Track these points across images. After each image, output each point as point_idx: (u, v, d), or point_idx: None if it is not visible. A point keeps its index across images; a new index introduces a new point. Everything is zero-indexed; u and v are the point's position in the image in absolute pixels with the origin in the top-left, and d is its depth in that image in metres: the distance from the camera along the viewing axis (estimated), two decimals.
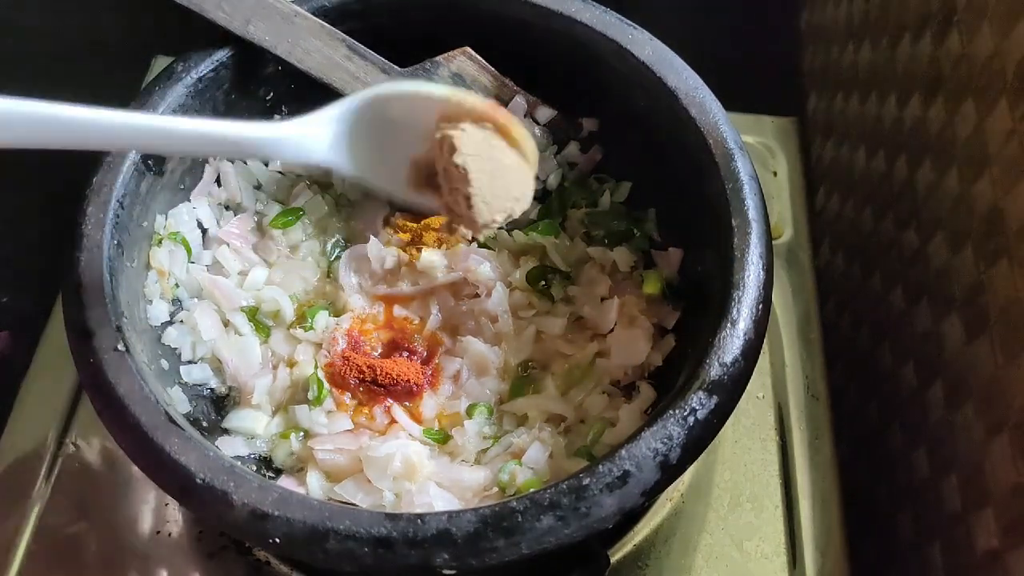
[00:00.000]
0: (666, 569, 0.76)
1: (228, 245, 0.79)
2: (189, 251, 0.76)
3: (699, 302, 0.70)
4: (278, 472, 0.71)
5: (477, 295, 0.76)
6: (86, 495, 0.77)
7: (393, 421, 0.72)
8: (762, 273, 0.64)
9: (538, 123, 0.83)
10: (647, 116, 0.75)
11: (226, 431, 0.72)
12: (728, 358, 0.61)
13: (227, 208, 0.81)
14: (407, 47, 0.77)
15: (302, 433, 0.72)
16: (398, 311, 0.78)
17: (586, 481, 0.56)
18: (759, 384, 0.85)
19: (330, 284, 0.80)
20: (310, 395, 0.72)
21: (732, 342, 0.61)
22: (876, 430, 0.88)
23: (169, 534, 0.76)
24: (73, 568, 0.75)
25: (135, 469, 0.59)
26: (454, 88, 0.62)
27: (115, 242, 0.65)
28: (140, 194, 0.69)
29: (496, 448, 0.71)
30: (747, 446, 0.81)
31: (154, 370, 0.66)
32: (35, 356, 0.85)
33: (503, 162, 0.62)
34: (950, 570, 0.72)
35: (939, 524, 0.74)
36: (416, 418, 0.73)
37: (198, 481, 0.56)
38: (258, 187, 0.83)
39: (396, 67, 0.77)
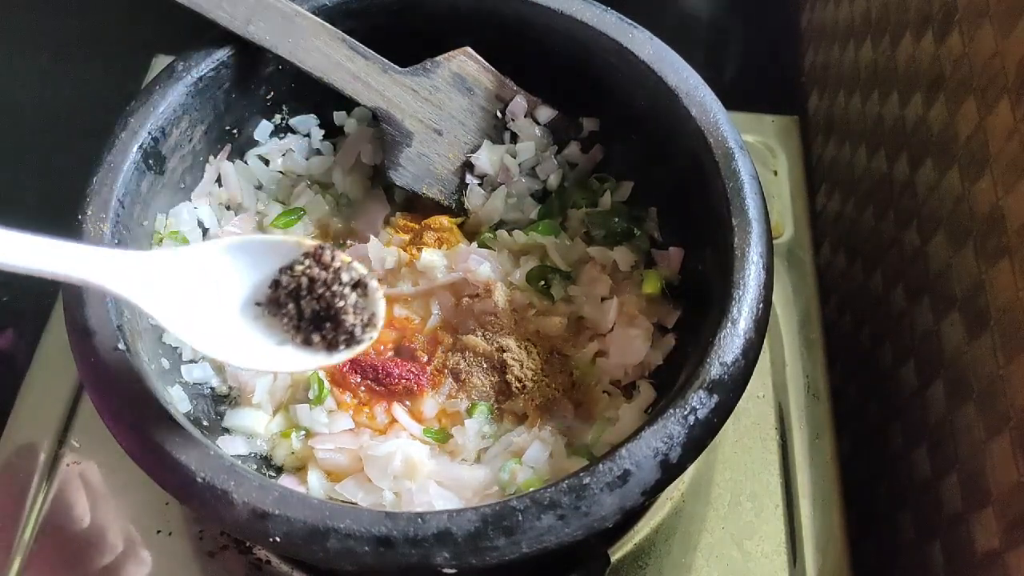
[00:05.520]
0: (666, 568, 0.76)
1: None
2: None
3: (699, 301, 0.70)
4: (279, 471, 0.71)
5: (477, 295, 0.76)
6: (86, 495, 0.77)
7: (393, 420, 0.72)
8: (762, 272, 0.64)
9: (539, 123, 0.83)
10: (648, 115, 0.75)
11: (227, 430, 0.72)
12: (728, 357, 0.61)
13: (228, 208, 0.81)
14: (407, 47, 0.78)
15: (303, 432, 0.72)
16: (399, 311, 0.78)
17: (586, 480, 0.56)
18: (759, 383, 0.85)
19: None
20: (311, 394, 0.72)
21: (732, 341, 0.61)
22: (876, 429, 0.88)
23: (169, 534, 0.76)
24: (73, 568, 0.75)
25: (136, 468, 0.59)
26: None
27: (116, 241, 0.65)
28: (141, 193, 0.69)
29: (496, 447, 0.71)
30: (747, 445, 0.81)
31: (155, 369, 0.66)
32: (36, 355, 0.85)
33: None
34: (950, 570, 0.72)
35: (939, 524, 0.74)
36: (416, 417, 0.73)
37: (198, 480, 0.56)
38: (259, 187, 0.83)
39: (396, 67, 0.77)
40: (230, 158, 0.80)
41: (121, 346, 0.61)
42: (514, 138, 0.83)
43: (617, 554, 0.76)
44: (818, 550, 0.77)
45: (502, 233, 0.81)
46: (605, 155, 0.84)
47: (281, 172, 0.83)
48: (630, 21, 0.75)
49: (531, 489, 0.59)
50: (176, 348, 0.73)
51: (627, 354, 0.74)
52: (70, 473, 0.78)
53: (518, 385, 0.72)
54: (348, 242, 0.81)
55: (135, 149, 0.68)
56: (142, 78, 0.96)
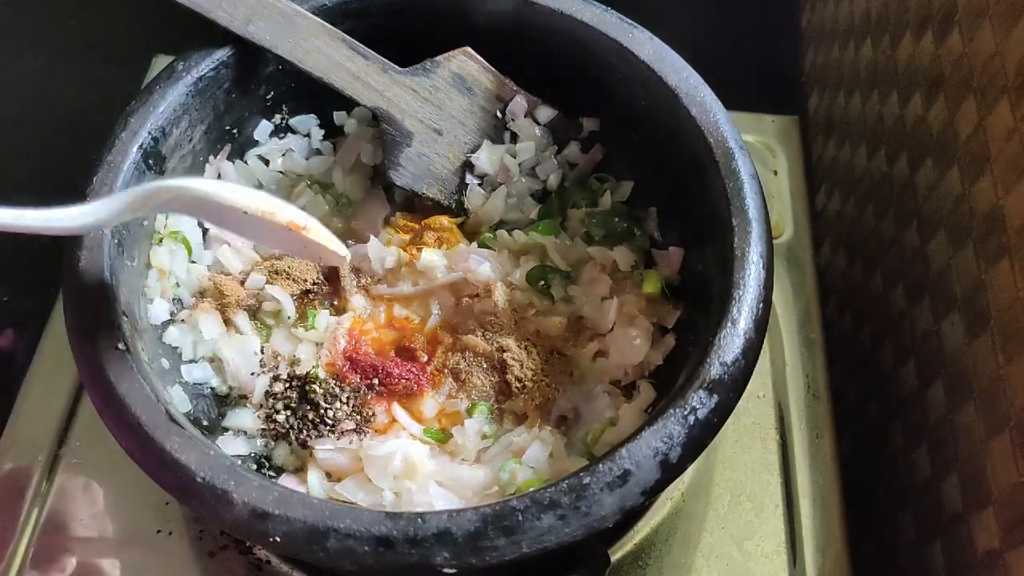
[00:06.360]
0: (666, 568, 0.76)
1: (229, 245, 0.79)
2: (190, 250, 0.76)
3: (699, 301, 0.70)
4: (279, 471, 0.71)
5: (477, 295, 0.76)
6: (86, 495, 0.77)
7: (393, 420, 0.72)
8: (762, 272, 0.64)
9: (539, 123, 0.83)
10: (648, 115, 0.75)
11: (227, 430, 0.72)
12: (728, 357, 0.61)
13: None
14: (407, 47, 0.78)
15: None
16: (399, 311, 0.78)
17: (586, 480, 0.56)
18: (759, 383, 0.85)
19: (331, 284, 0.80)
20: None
21: (732, 341, 0.61)
22: (876, 429, 0.88)
23: (169, 533, 0.76)
24: (73, 568, 0.75)
25: (136, 468, 0.59)
26: (255, 197, 0.61)
27: (116, 241, 0.65)
28: None
29: (496, 447, 0.71)
30: (747, 445, 0.81)
31: (155, 369, 0.66)
32: (36, 355, 0.85)
33: None
34: (950, 570, 0.72)
35: (939, 524, 0.74)
36: (416, 417, 0.73)
37: (198, 480, 0.56)
38: (259, 187, 0.83)
39: (396, 67, 0.77)
40: (230, 158, 0.80)
41: (121, 346, 0.61)
42: (514, 138, 0.83)
43: (617, 554, 0.76)
44: (818, 550, 0.78)
45: (502, 233, 0.81)
46: (605, 155, 0.84)
47: (281, 172, 0.83)
48: (630, 21, 0.75)
49: (531, 489, 0.59)
50: (176, 348, 0.73)
51: (627, 354, 0.74)
52: (70, 473, 0.79)
53: (518, 385, 0.72)
54: (348, 242, 0.81)
55: (135, 149, 0.68)
56: (142, 78, 0.96)
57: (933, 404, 0.76)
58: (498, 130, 0.83)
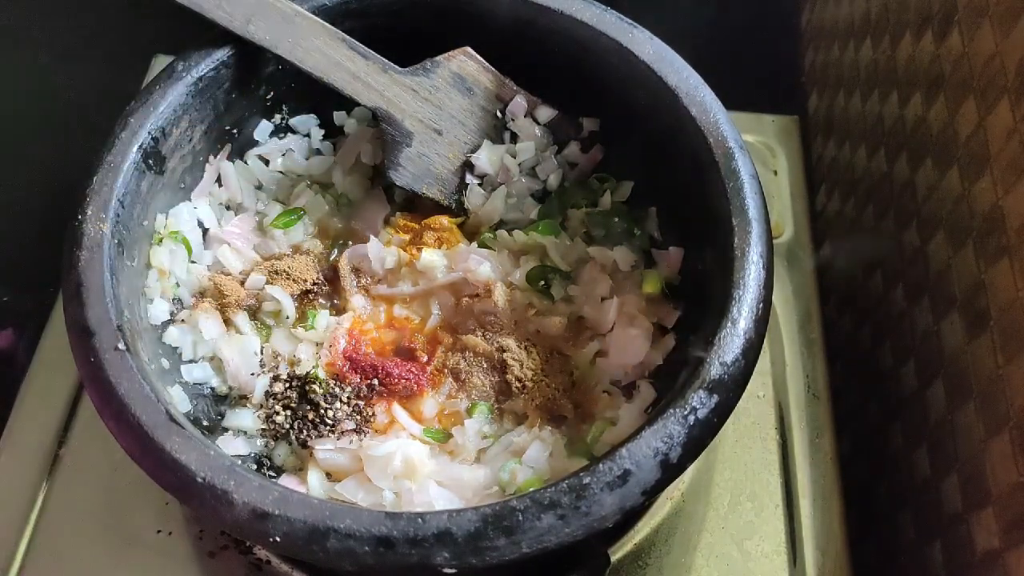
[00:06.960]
0: (666, 568, 0.76)
1: (229, 245, 0.79)
2: (190, 250, 0.76)
3: (699, 301, 0.70)
4: (279, 471, 0.71)
5: (477, 295, 0.76)
6: (86, 495, 0.77)
7: (393, 420, 0.72)
8: (762, 272, 0.64)
9: (539, 123, 0.83)
10: (648, 115, 0.75)
11: (227, 430, 0.72)
12: (728, 357, 0.61)
13: (228, 208, 0.81)
14: (407, 47, 0.78)
15: None
16: (399, 311, 0.78)
17: (586, 480, 0.56)
18: (759, 383, 0.85)
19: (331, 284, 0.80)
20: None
21: (732, 341, 0.61)
22: (876, 429, 0.88)
23: (169, 533, 0.76)
24: (73, 568, 0.75)
25: (136, 468, 0.59)
26: None
27: (116, 241, 0.65)
28: (141, 193, 0.70)
29: (496, 447, 0.71)
30: (747, 445, 0.81)
31: (155, 369, 0.66)
32: (36, 355, 0.85)
33: None
34: (950, 570, 0.72)
35: (939, 524, 0.74)
36: (416, 417, 0.73)
37: (199, 480, 0.56)
38: (259, 187, 0.83)
39: (396, 67, 0.77)
40: (230, 158, 0.81)
41: (121, 346, 0.61)
42: (514, 138, 0.83)
43: (617, 554, 0.76)
44: (818, 549, 0.78)
45: (502, 233, 0.81)
46: (605, 155, 0.84)
47: (281, 172, 0.83)
48: (630, 21, 0.75)
49: (531, 489, 0.59)
50: (176, 348, 0.73)
51: (627, 354, 0.74)
52: (70, 473, 0.78)
53: (518, 385, 0.72)
54: (348, 242, 0.82)
55: (135, 149, 0.68)
56: (142, 78, 0.96)
57: (933, 404, 0.76)
58: (498, 130, 0.83)
